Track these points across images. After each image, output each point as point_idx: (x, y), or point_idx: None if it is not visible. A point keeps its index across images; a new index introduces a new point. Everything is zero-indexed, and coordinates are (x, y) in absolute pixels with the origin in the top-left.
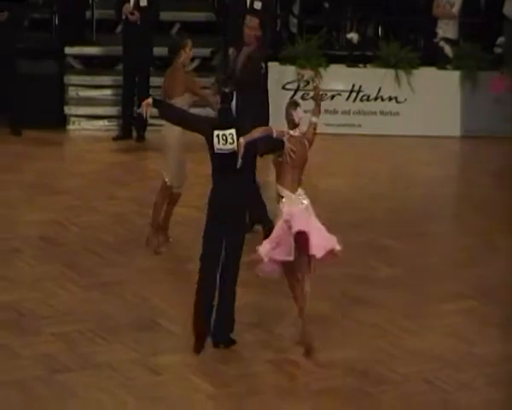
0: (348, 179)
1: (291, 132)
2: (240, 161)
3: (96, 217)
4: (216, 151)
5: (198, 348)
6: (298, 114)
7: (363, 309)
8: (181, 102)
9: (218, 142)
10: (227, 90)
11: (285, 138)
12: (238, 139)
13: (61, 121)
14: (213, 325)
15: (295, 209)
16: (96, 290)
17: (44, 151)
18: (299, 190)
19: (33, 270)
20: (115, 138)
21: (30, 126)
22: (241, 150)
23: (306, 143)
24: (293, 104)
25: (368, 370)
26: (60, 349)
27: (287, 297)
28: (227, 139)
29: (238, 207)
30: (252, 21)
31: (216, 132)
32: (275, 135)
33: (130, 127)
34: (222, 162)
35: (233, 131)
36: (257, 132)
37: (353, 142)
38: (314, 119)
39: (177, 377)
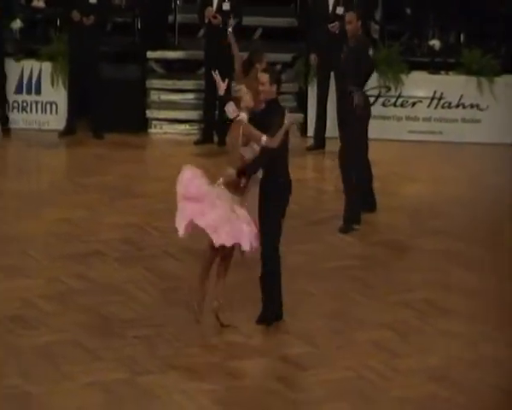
0: (429, 186)
1: None
2: None
3: None
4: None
5: None
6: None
7: (444, 316)
8: None
9: None
10: None
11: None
12: None
13: (143, 125)
14: None
15: None
16: (177, 294)
17: (126, 155)
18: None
19: (115, 273)
20: (196, 142)
21: (112, 130)
22: None
23: None
24: None
25: (448, 378)
26: (141, 352)
27: (362, 305)
28: None
29: None
30: (348, 16)
31: None
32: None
33: (212, 131)
34: None
35: None
36: None
37: (434, 149)
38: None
39: (256, 382)
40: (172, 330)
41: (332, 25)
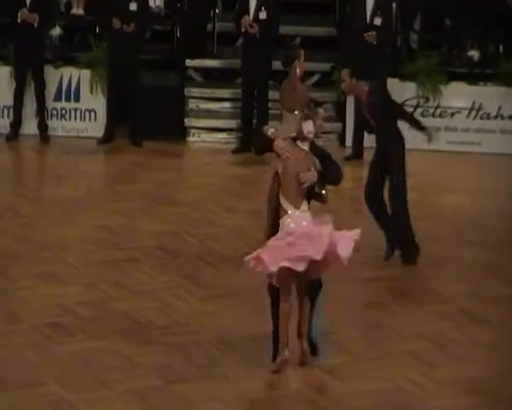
0: (468, 197)
1: (297, 142)
2: None
3: (213, 229)
4: None
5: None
6: (307, 127)
7: (481, 328)
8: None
9: None
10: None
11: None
12: None
13: (181, 133)
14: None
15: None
16: (213, 302)
17: (164, 163)
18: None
19: (151, 280)
20: (234, 151)
21: (150, 138)
22: None
23: (315, 161)
24: (307, 114)
25: (486, 389)
26: (176, 360)
27: (399, 315)
28: None
29: None
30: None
31: None
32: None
33: (250, 140)
34: None
35: None
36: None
37: (473, 160)
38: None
39: (293, 391)
40: (209, 338)
41: (368, 33)
